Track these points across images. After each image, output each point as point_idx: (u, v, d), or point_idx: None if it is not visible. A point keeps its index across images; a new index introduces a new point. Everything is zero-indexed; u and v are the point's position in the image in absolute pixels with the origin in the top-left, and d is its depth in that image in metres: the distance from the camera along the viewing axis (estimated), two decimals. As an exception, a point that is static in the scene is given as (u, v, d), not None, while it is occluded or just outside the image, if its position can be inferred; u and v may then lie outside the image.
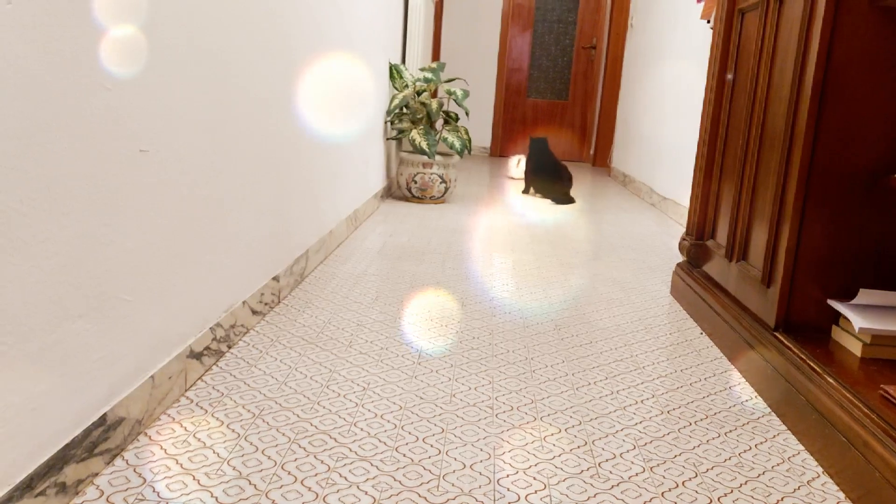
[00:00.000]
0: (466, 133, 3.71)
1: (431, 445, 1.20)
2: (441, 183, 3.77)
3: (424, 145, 3.49)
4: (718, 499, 1.11)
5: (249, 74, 1.60)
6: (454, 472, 1.12)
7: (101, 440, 1.04)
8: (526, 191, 4.43)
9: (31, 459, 0.90)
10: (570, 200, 4.18)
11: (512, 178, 5.14)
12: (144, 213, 1.15)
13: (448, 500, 1.05)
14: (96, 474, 1.04)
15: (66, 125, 0.92)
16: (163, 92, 1.18)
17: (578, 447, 1.23)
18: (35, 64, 0.85)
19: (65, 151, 0.92)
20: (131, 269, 1.12)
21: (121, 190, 1.07)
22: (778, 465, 1.23)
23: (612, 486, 1.12)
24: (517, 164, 5.11)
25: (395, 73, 3.71)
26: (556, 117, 6.84)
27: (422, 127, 3.58)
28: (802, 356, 1.38)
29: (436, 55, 6.49)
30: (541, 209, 3.89)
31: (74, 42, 0.92)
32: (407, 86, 3.70)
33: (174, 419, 1.23)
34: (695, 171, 2.20)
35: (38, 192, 0.87)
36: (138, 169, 1.12)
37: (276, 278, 1.87)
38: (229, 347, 1.55)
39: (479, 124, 6.80)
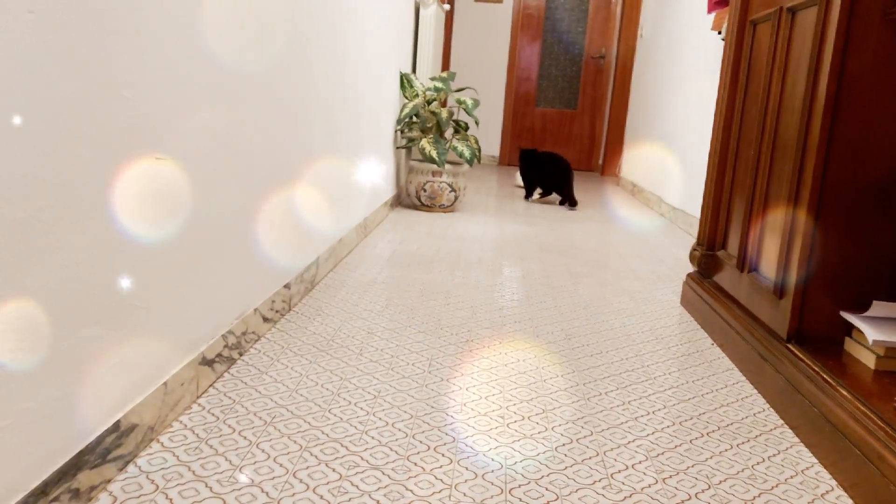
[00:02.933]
0: (476, 142, 3.71)
1: (443, 455, 1.20)
2: (450, 191, 3.77)
3: (434, 154, 3.50)
4: (731, 511, 1.10)
5: (265, 84, 1.61)
6: (466, 481, 1.12)
7: (114, 446, 1.05)
8: (529, 195, 4.52)
9: (46, 466, 0.91)
10: (569, 192, 4.27)
11: (519, 187, 5.15)
12: (159, 221, 1.16)
13: (460, 509, 1.05)
14: (109, 481, 1.04)
15: (85, 133, 0.93)
16: (179, 101, 1.19)
17: (590, 458, 1.23)
18: (56, 71, 0.86)
19: (83, 159, 0.93)
20: (146, 276, 1.13)
21: (136, 197, 1.08)
22: (791, 477, 1.22)
23: (625, 498, 1.11)
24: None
25: (405, 82, 3.73)
26: (565, 127, 6.85)
27: (432, 136, 3.59)
28: (815, 368, 1.38)
29: (446, 65, 6.51)
30: (550, 218, 3.89)
31: (94, 50, 0.93)
32: (417, 95, 3.72)
33: (186, 426, 1.23)
34: (706, 181, 2.19)
35: (56, 199, 0.88)
36: (154, 177, 1.12)
37: (287, 286, 1.87)
38: (241, 354, 1.56)
39: (489, 133, 6.81)
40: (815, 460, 1.29)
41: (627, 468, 1.21)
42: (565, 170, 4.27)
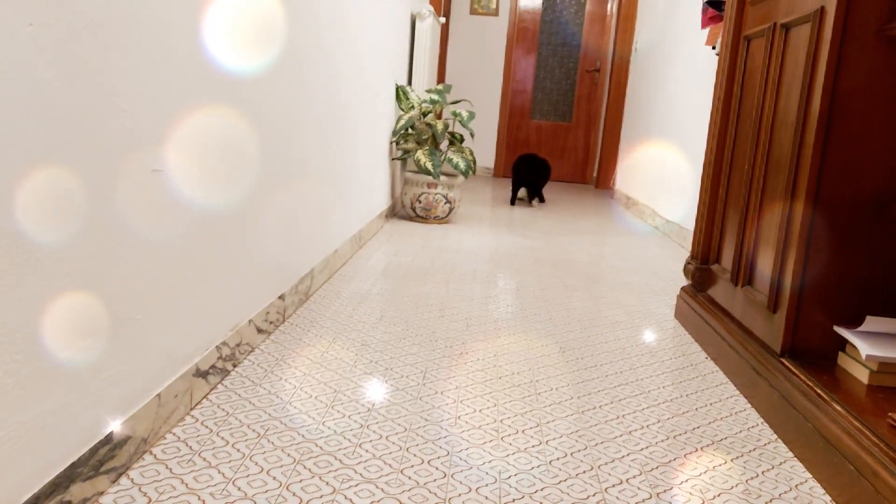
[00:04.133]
0: (471, 154, 3.73)
1: (437, 468, 1.20)
2: (445, 203, 3.78)
3: (429, 166, 3.51)
4: (726, 526, 1.10)
5: (260, 95, 1.61)
6: (460, 495, 1.12)
7: (107, 458, 1.04)
8: (513, 201, 4.87)
9: (38, 478, 0.90)
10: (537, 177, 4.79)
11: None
12: (155, 233, 1.16)
13: (454, 524, 1.04)
14: (102, 493, 1.03)
15: (82, 145, 0.93)
16: (175, 113, 1.19)
17: (585, 472, 1.23)
18: (54, 85, 0.86)
19: (80, 172, 0.93)
20: (141, 287, 1.12)
21: (133, 210, 1.07)
22: (785, 493, 1.22)
23: (619, 512, 1.11)
24: None
25: (401, 94, 3.74)
26: (560, 139, 6.88)
27: (427, 147, 3.60)
28: (809, 383, 1.38)
29: (441, 77, 6.54)
30: (545, 230, 3.90)
31: (92, 63, 0.93)
32: (413, 107, 3.73)
33: (179, 438, 1.22)
34: (700, 194, 2.20)
35: (53, 211, 0.88)
36: (150, 189, 1.12)
37: (281, 297, 1.87)
38: (235, 366, 1.55)
39: (484, 145, 6.84)
40: (809, 475, 1.29)
41: (622, 482, 1.20)
42: (534, 167, 4.74)
